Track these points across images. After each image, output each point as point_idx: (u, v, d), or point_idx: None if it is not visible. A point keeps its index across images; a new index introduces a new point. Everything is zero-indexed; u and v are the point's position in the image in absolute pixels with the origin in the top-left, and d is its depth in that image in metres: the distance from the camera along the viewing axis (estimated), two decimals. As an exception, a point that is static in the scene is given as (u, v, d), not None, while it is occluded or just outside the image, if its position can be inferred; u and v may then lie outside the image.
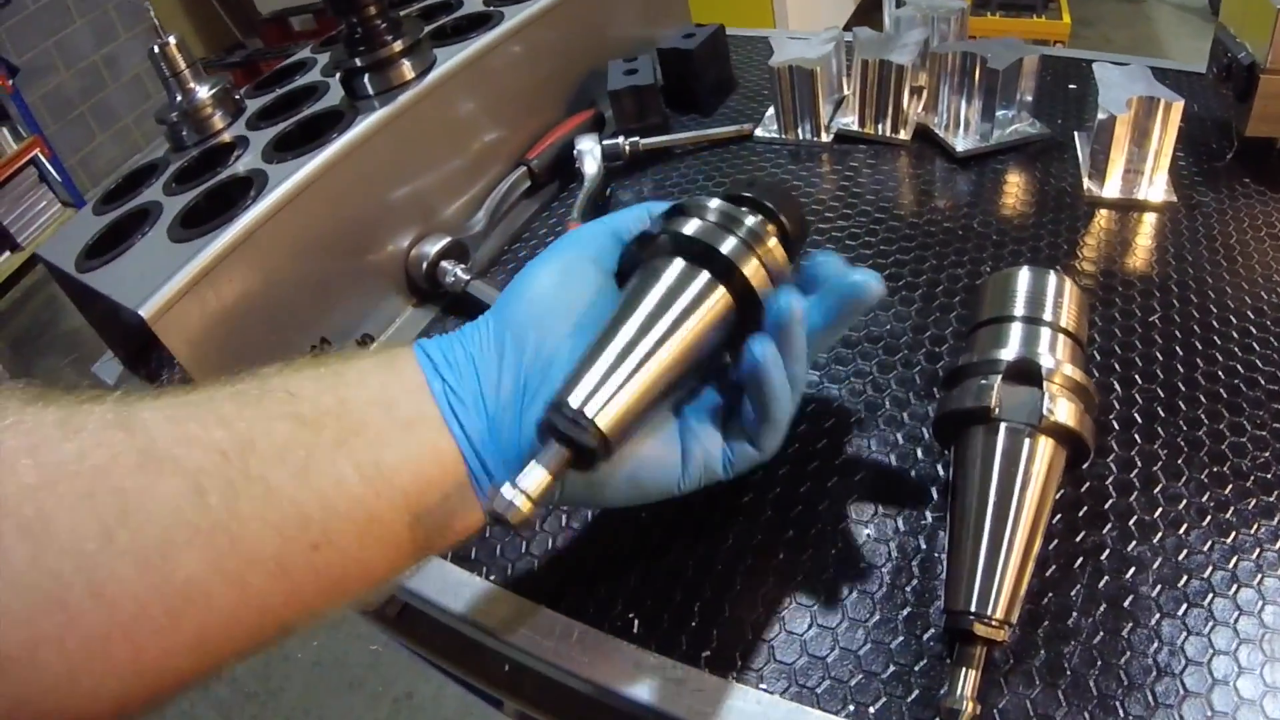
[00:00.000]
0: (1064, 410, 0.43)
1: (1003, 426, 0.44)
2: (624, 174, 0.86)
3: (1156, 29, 3.42)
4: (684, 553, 0.50)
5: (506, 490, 0.34)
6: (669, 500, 0.42)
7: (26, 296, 3.36)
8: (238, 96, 0.84)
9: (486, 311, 0.42)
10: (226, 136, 0.78)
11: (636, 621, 0.47)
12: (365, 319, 0.70)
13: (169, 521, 0.30)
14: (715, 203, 0.42)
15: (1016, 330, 0.47)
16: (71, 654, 0.29)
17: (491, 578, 0.51)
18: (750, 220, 0.41)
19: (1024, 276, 0.49)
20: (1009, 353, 0.46)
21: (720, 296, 0.40)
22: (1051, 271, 0.49)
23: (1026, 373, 0.45)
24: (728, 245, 0.40)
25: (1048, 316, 0.47)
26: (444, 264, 0.71)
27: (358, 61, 0.70)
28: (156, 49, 0.78)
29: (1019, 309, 0.48)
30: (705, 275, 0.40)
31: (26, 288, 3.39)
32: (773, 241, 0.41)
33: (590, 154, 0.81)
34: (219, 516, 0.31)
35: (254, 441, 0.33)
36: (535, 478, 0.35)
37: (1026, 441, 0.43)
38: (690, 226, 0.41)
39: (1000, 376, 0.45)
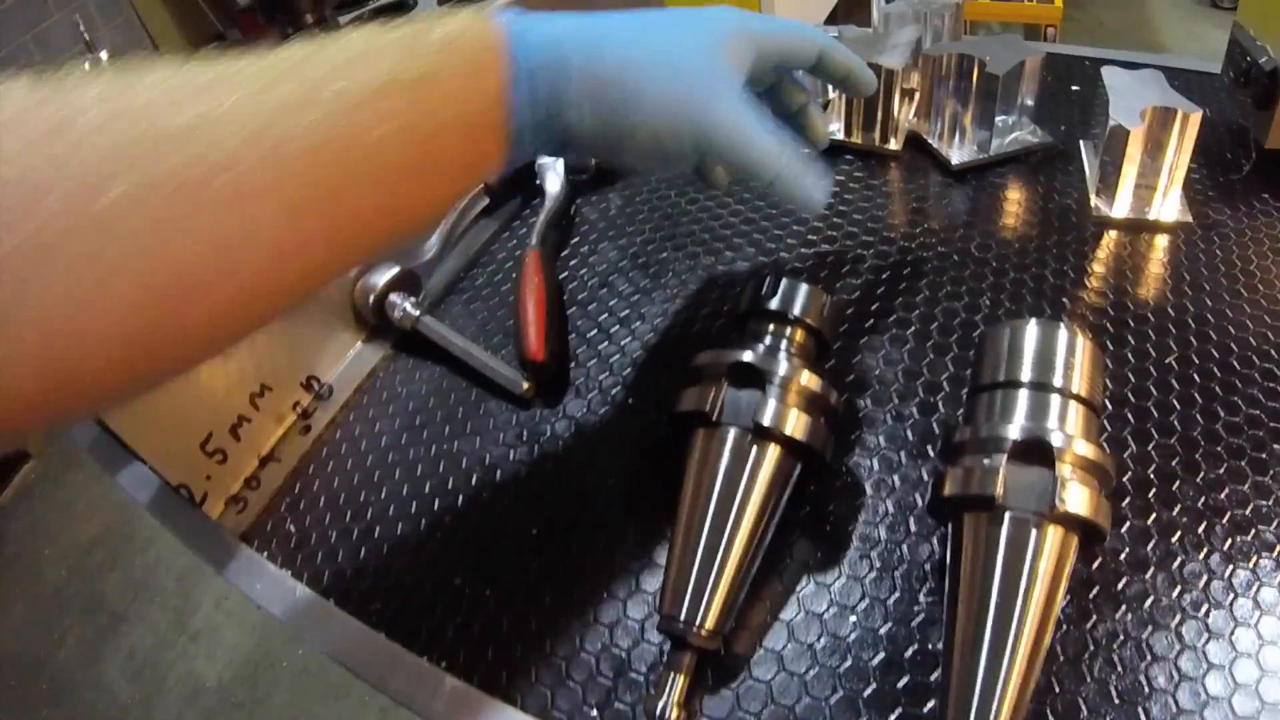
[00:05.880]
0: (1077, 498, 0.38)
1: (1008, 516, 0.38)
2: (590, 188, 0.79)
3: (1149, 12, 3.33)
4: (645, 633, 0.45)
5: (661, 703, 0.40)
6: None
7: None
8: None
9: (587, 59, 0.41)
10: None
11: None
12: (311, 358, 0.64)
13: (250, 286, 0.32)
14: (746, 355, 0.45)
15: (1023, 400, 0.42)
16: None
17: (404, 645, 0.46)
18: (782, 366, 0.45)
19: (1031, 333, 0.43)
20: (1015, 429, 0.40)
21: (773, 453, 0.44)
22: (1061, 326, 0.43)
23: (1035, 451, 0.39)
24: (767, 414, 0.43)
25: (1058, 381, 0.42)
26: (392, 297, 0.65)
27: (294, 75, 0.64)
28: (87, 66, 0.71)
29: (1025, 373, 0.42)
30: (754, 444, 0.44)
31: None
32: (805, 375, 0.45)
33: (553, 169, 0.75)
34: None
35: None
36: (678, 685, 0.40)
37: (1034, 532, 0.38)
38: (726, 396, 0.45)
39: (1005, 456, 0.39)
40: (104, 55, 0.72)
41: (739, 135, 0.44)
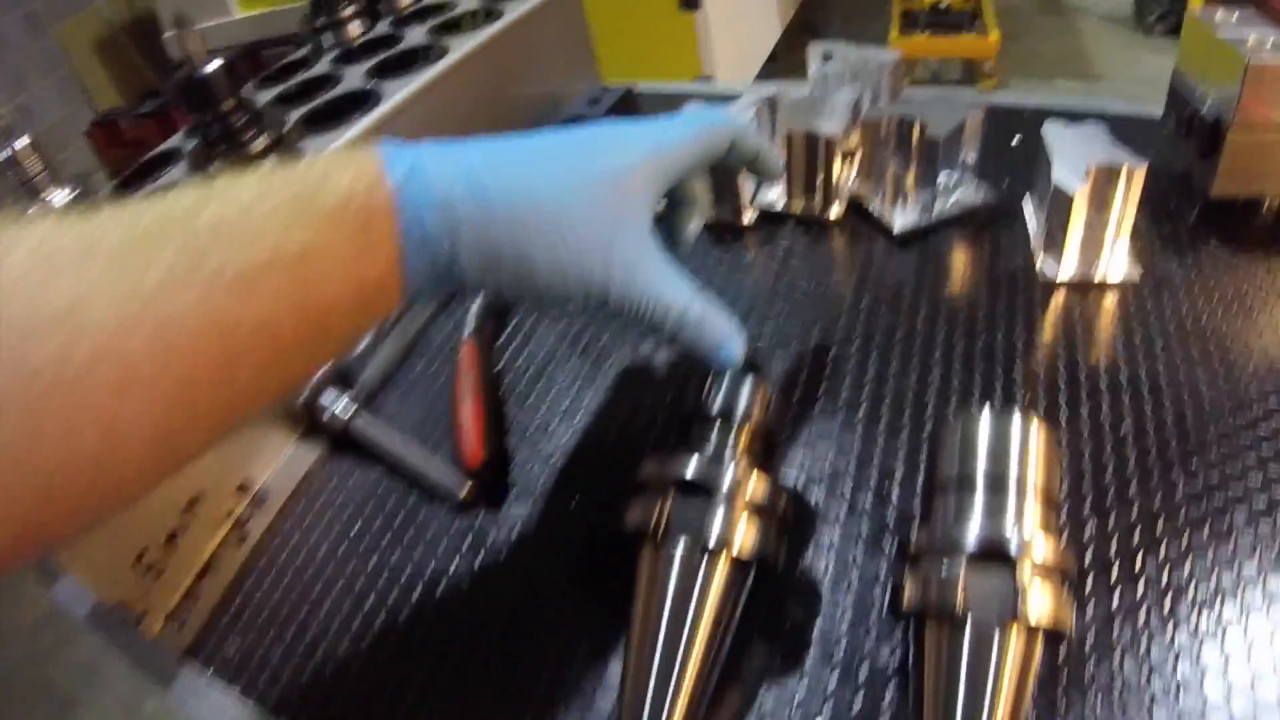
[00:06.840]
0: (1039, 602, 0.36)
1: (970, 621, 0.37)
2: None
3: (1084, 40, 3.40)
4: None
5: None
6: None
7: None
8: (97, 198, 0.75)
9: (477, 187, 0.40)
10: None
11: None
12: (243, 461, 0.61)
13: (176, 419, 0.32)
14: (690, 468, 0.43)
15: (979, 500, 0.40)
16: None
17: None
18: (728, 474, 0.43)
19: (984, 427, 0.42)
20: (972, 533, 0.39)
21: (724, 565, 0.42)
22: (1015, 416, 0.42)
23: (994, 554, 0.38)
24: (714, 528, 0.42)
25: (1013, 477, 0.40)
26: (323, 399, 0.61)
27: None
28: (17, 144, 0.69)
29: (980, 470, 0.41)
30: (703, 558, 0.42)
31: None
32: (752, 482, 0.43)
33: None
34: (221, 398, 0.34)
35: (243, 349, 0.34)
36: None
37: (997, 636, 0.36)
38: (672, 509, 0.43)
39: (964, 560, 0.38)
40: (20, 144, 0.69)
41: (635, 297, 0.42)
